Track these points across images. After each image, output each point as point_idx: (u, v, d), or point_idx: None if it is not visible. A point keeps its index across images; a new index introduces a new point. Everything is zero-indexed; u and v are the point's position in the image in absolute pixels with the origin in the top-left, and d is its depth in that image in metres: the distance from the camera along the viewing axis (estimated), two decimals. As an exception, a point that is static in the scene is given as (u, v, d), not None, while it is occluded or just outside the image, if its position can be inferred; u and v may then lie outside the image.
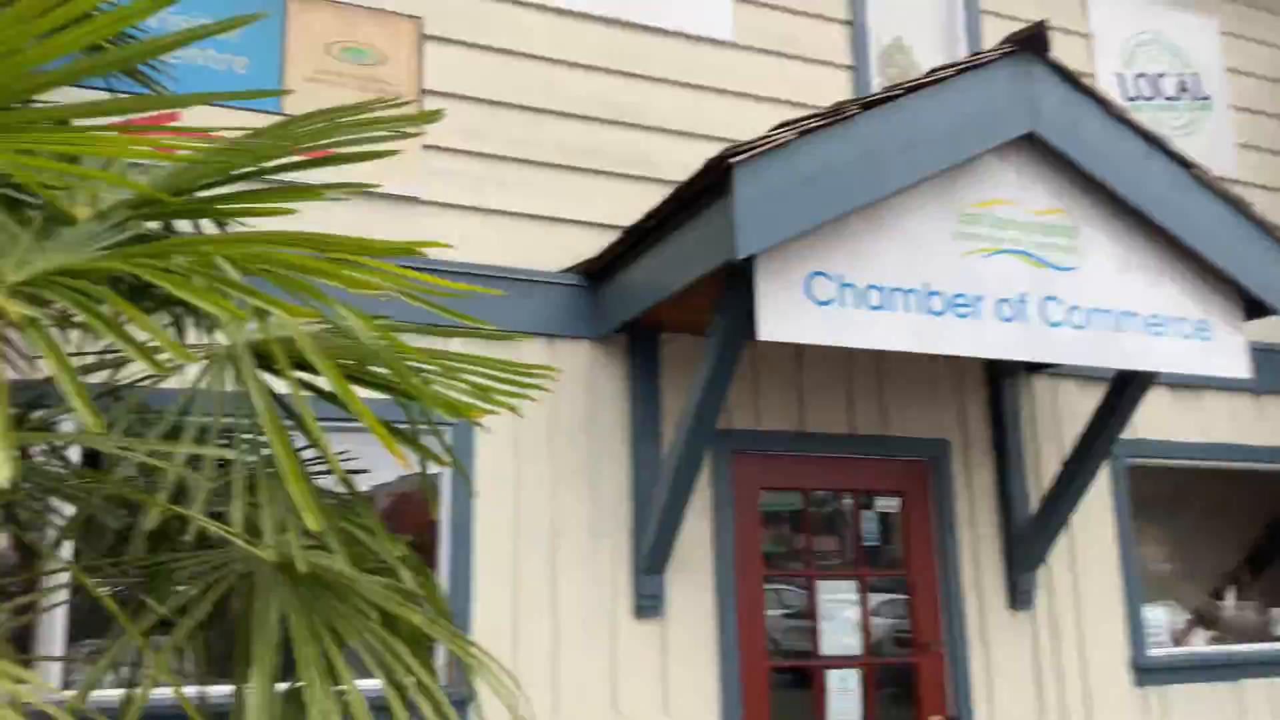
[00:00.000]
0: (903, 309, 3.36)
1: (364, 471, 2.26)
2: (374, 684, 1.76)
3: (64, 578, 3.14)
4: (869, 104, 3.31)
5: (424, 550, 3.82)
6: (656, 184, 4.21)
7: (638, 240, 3.73)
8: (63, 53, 1.50)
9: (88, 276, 1.42)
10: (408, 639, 1.90)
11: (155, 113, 3.15)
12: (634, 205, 3.99)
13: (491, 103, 4.20)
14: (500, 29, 4.27)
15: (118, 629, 1.91)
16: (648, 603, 3.93)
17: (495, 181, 4.13)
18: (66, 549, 2.72)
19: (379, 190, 2.29)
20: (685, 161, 3.94)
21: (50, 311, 2.00)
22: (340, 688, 1.69)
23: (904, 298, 3.37)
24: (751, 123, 4.22)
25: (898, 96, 3.37)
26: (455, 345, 3.36)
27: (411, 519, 3.89)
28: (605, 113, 4.39)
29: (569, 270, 4.13)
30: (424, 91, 4.07)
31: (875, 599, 4.56)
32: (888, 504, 4.65)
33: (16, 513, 2.31)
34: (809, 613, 4.38)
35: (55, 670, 3.26)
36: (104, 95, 2.91)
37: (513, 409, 1.99)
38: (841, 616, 4.42)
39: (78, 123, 1.74)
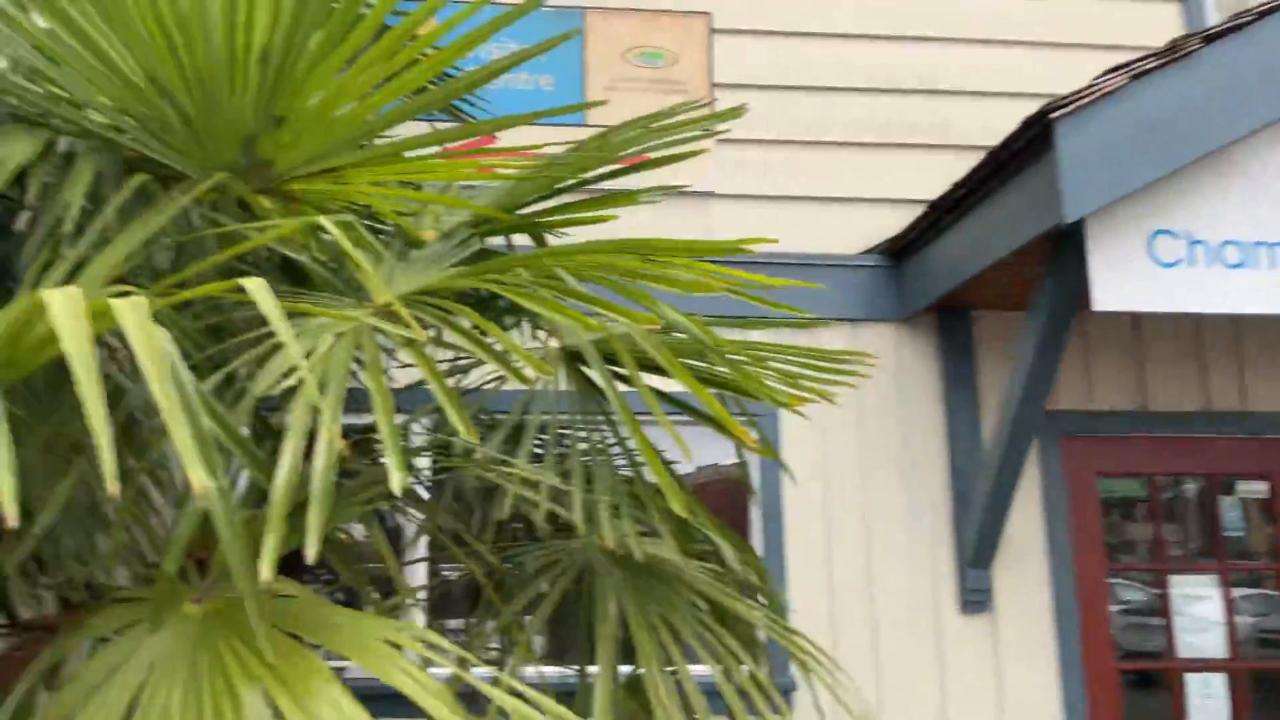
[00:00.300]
0: (1268, 266, 2.92)
1: (674, 463, 2.32)
2: (702, 670, 1.80)
3: (422, 569, 3.48)
4: (1212, 37, 2.91)
5: (738, 534, 3.87)
6: (959, 151, 3.98)
7: (943, 213, 3.53)
8: (396, 96, 1.65)
9: (444, 294, 1.54)
10: (732, 626, 1.92)
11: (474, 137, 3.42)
12: (935, 177, 3.79)
13: (780, 88, 4.15)
14: (787, 12, 4.22)
15: (479, 612, 2.07)
16: (974, 597, 3.72)
17: (787, 167, 4.09)
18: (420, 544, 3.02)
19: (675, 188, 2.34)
20: (991, 125, 3.69)
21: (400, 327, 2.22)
22: (674, 674, 1.73)
23: (1269, 253, 2.93)
24: (1065, 75, 3.86)
25: (1248, 25, 2.94)
26: (754, 335, 3.36)
27: (720, 504, 3.95)
28: (899, 82, 4.21)
29: (869, 251, 4.00)
30: (714, 86, 4.11)
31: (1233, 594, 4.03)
32: (1253, 489, 4.09)
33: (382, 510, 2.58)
34: (1158, 610, 3.95)
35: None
36: (429, 127, 3.21)
37: (828, 397, 1.95)
38: (1197, 614, 3.94)
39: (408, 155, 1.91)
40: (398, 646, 0.99)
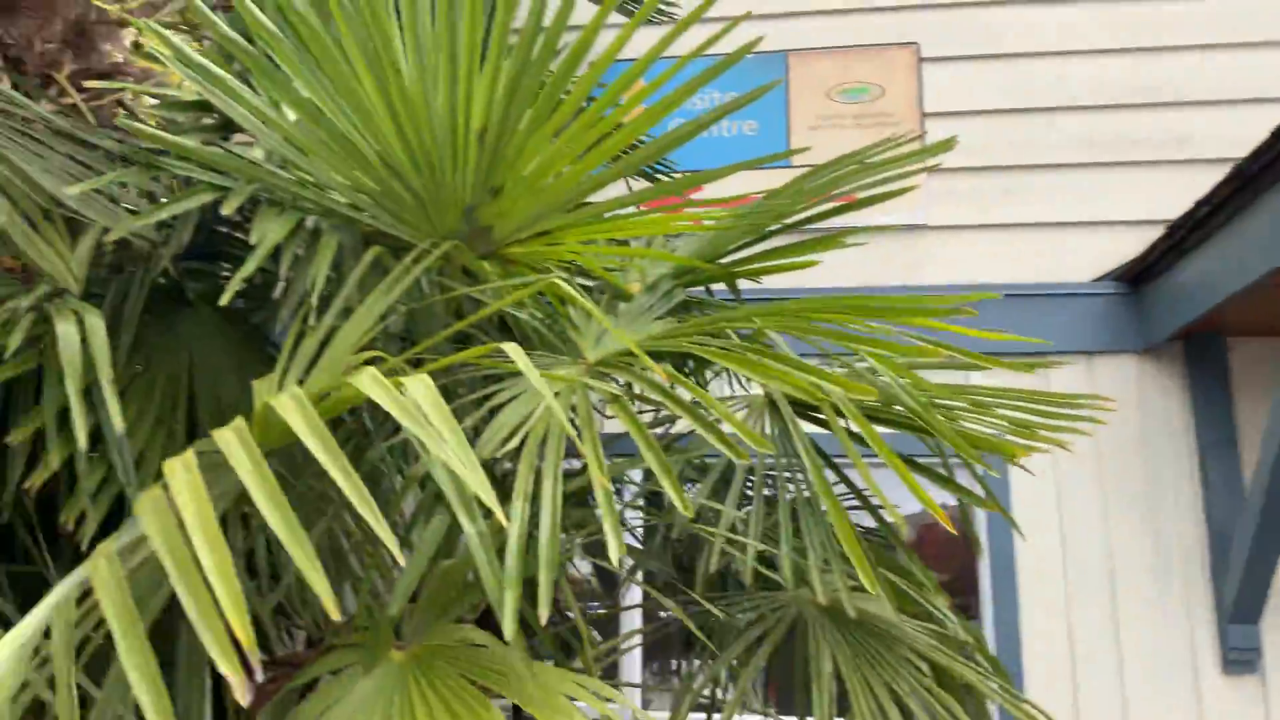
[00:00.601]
0: None
1: (880, 508, 2.24)
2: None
3: (638, 612, 3.54)
4: None
5: (964, 587, 3.68)
6: (1200, 166, 3.65)
7: (1186, 233, 3.24)
8: (603, 160, 1.72)
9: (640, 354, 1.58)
10: (954, 690, 1.82)
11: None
12: (1171, 195, 3.49)
13: (994, 112, 3.98)
14: (1002, 35, 4.05)
15: (691, 658, 2.08)
16: (1239, 656, 3.34)
17: (1003, 194, 3.90)
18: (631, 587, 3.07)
19: (880, 224, 2.29)
20: (1236, 135, 3.36)
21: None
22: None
23: None
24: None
25: None
26: (976, 377, 3.21)
27: (945, 551, 3.77)
28: (1128, 97, 3.93)
29: (1102, 278, 3.73)
30: (924, 115, 3.99)
31: None
32: None
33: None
34: None
35: (636, 694, 3.68)
36: (637, 180, 3.31)
37: (1062, 445, 1.82)
38: None
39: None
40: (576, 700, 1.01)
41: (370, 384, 0.95)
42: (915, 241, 3.88)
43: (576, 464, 1.87)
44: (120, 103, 2.20)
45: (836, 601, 1.93)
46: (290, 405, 0.91)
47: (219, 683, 2.05)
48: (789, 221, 1.91)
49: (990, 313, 2.06)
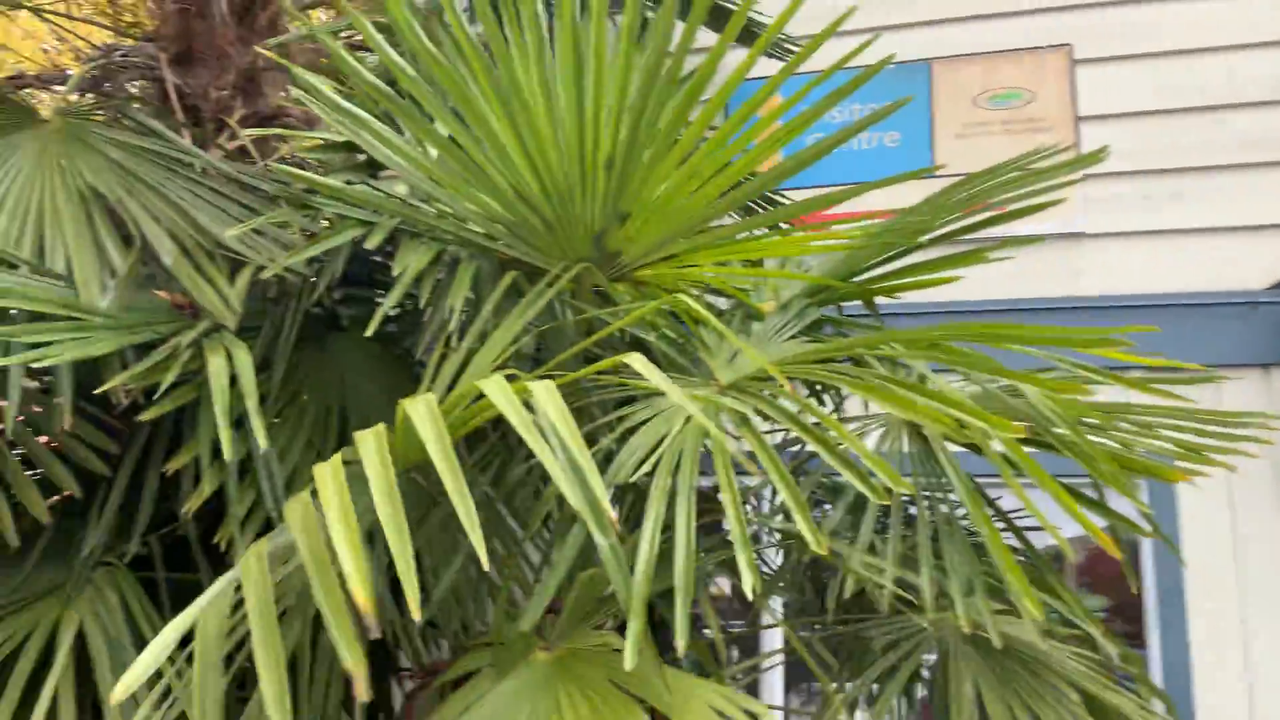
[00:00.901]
0: None
1: (1035, 529, 2.13)
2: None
3: (778, 633, 3.50)
4: None
5: (1128, 609, 3.47)
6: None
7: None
8: (733, 182, 1.72)
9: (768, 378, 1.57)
10: None
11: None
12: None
13: (1156, 113, 3.75)
14: (1162, 31, 3.82)
15: (836, 681, 2.05)
16: None
17: (1169, 198, 3.67)
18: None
19: (1034, 234, 2.18)
20: None
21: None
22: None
23: None
24: None
25: None
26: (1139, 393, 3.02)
27: (1107, 574, 3.56)
28: (1310, 89, 3.63)
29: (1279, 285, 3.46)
30: (1079, 119, 3.81)
31: None
32: None
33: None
34: None
35: (778, 716, 3.63)
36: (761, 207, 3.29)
37: (1227, 466, 1.70)
38: None
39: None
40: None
41: (495, 390, 0.98)
42: (1073, 250, 3.69)
43: (705, 482, 1.87)
44: (283, 141, 2.36)
45: (979, 627, 1.86)
46: (423, 414, 0.96)
47: (376, 687, 2.16)
48: (930, 237, 1.86)
49: (1156, 320, 1.94)
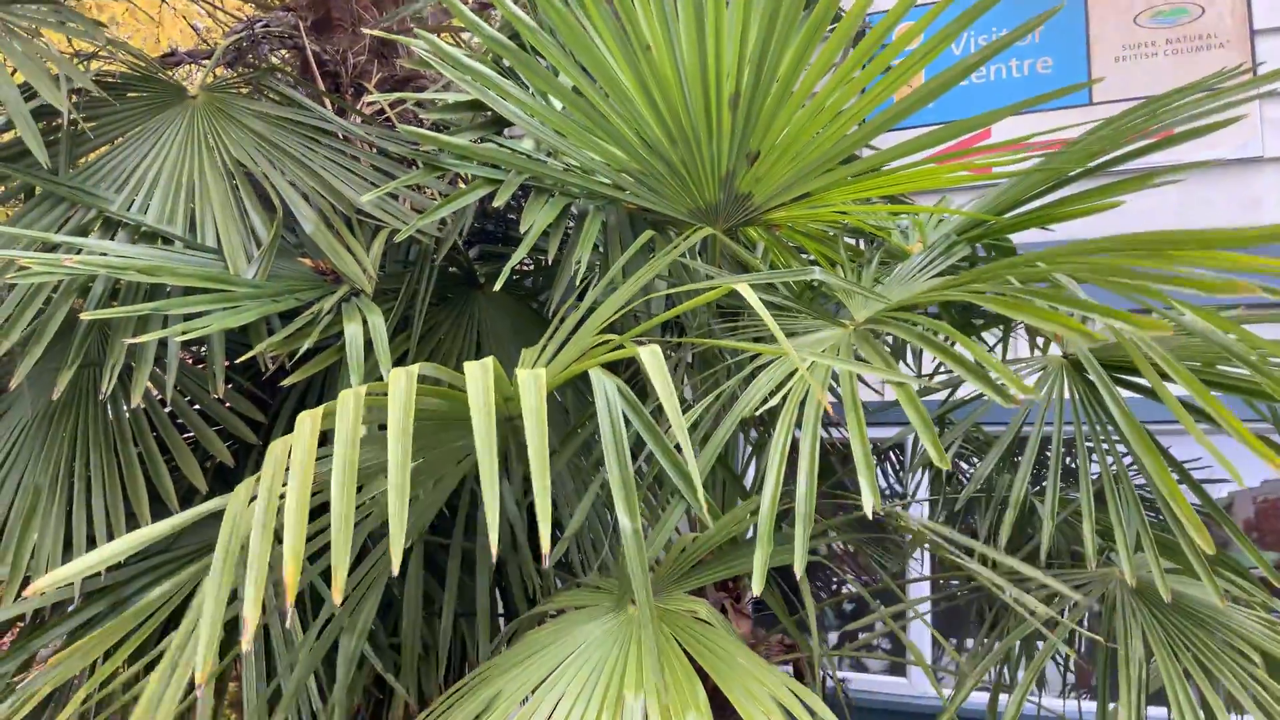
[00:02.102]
0: None
1: (1215, 481, 1.96)
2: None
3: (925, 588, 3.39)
4: None
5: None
6: None
7: None
8: (864, 115, 1.63)
9: (920, 308, 1.49)
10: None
11: (964, 137, 3.27)
12: None
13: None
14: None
15: (987, 638, 1.96)
16: None
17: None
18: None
19: (1205, 159, 1.99)
20: None
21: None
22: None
23: None
24: None
25: None
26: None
27: (1275, 529, 3.28)
28: None
29: None
30: (1255, 33, 3.45)
31: None
32: None
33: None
34: None
35: (918, 674, 3.54)
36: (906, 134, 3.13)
37: None
38: None
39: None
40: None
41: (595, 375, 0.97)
42: (1249, 176, 3.37)
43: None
44: (419, 106, 2.40)
45: (1148, 582, 1.73)
46: (527, 382, 0.95)
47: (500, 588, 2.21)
48: (1098, 162, 1.71)
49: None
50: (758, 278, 1.66)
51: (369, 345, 1.54)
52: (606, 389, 1.09)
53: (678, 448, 1.23)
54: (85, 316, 1.33)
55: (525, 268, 2.60)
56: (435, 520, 1.89)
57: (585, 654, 1.04)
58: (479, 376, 0.94)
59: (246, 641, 0.74)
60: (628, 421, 1.09)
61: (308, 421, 0.87)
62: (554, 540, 1.67)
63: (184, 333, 1.37)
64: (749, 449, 2.13)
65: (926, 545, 2.50)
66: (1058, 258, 1.47)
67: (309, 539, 1.28)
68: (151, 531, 0.97)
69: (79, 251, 1.63)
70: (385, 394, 0.94)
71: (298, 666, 1.36)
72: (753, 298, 1.05)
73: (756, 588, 1.09)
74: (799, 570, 1.11)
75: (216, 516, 1.93)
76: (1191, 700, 1.47)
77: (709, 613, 1.14)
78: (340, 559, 0.76)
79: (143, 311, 1.39)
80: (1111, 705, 1.66)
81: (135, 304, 1.51)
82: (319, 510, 1.31)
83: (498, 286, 1.59)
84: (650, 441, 1.09)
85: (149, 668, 1.71)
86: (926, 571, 3.53)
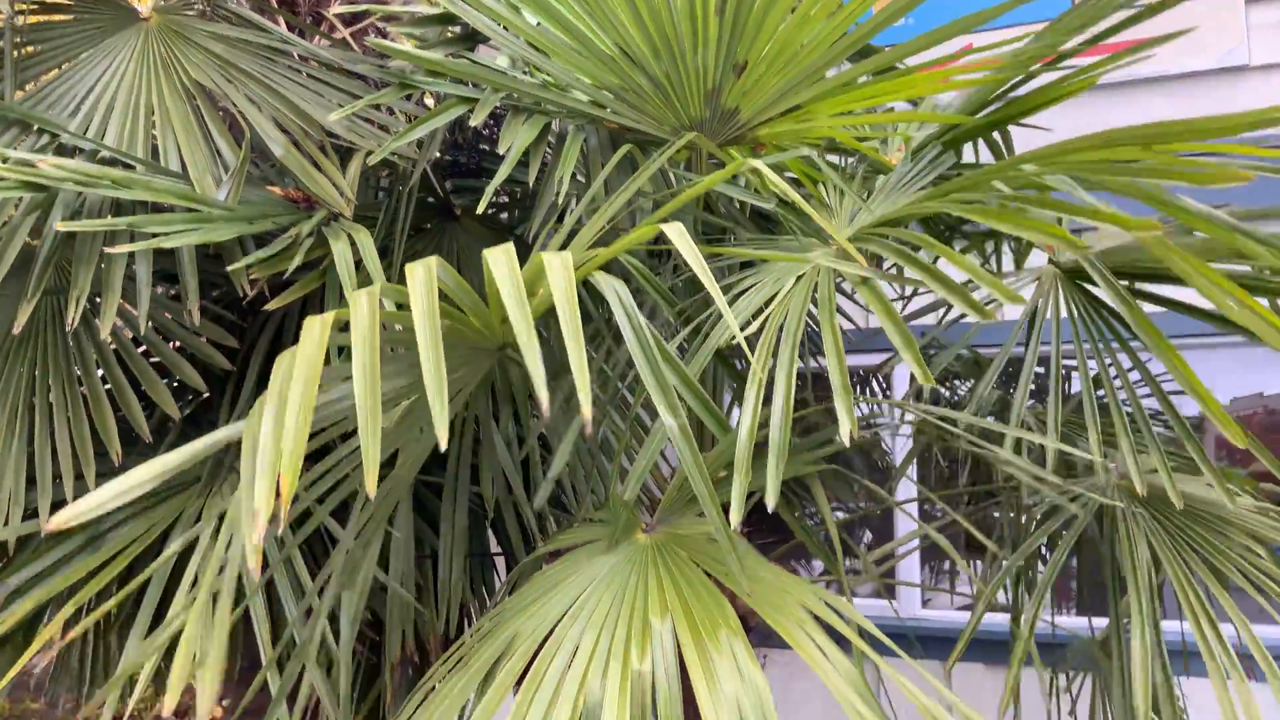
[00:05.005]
0: None
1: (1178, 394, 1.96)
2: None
3: (913, 508, 3.40)
4: None
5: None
6: None
7: None
8: (853, 20, 1.57)
9: (903, 223, 1.45)
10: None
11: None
12: None
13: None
14: None
15: (976, 559, 1.95)
16: None
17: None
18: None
19: (1190, 71, 1.94)
20: None
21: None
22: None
23: None
24: None
25: None
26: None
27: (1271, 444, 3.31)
28: None
29: None
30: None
31: None
32: None
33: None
34: None
35: (915, 595, 3.57)
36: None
37: None
38: None
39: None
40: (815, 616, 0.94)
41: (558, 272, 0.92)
42: (1233, 86, 3.33)
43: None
44: (381, 28, 2.30)
45: (1150, 487, 1.73)
46: (554, 265, 0.90)
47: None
48: (1075, 43, 1.65)
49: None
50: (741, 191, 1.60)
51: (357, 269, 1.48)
52: (617, 289, 1.03)
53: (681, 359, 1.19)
54: (60, 225, 1.26)
55: (501, 200, 2.53)
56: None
57: (602, 585, 1.01)
58: (504, 262, 0.88)
59: (257, 535, 0.70)
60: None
61: (316, 325, 0.82)
62: (551, 482, 1.63)
63: (158, 245, 1.30)
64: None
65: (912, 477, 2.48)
66: (1046, 158, 1.43)
67: (311, 484, 1.23)
68: (177, 457, 0.91)
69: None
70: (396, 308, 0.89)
71: (312, 620, 1.31)
72: (681, 234, 1.00)
73: (734, 517, 1.05)
74: (771, 501, 1.07)
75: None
76: (1203, 600, 1.46)
77: (732, 534, 1.10)
78: (371, 456, 0.71)
79: (117, 226, 1.32)
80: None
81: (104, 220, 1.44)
82: (318, 456, 1.26)
83: (480, 209, 1.52)
84: (645, 354, 1.04)
85: (134, 603, 1.67)
86: (914, 510, 3.54)
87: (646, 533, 1.17)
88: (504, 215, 2.49)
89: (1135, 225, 1.31)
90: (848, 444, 1.10)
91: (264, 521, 0.70)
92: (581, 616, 0.94)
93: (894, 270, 2.46)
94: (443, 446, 0.74)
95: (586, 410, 0.88)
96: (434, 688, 0.99)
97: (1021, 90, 1.72)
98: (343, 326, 0.86)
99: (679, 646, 0.82)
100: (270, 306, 1.32)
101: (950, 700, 0.73)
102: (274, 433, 0.75)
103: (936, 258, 1.33)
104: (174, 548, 1.24)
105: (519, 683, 0.87)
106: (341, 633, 1.47)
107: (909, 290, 2.64)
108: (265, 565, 1.72)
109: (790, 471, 1.39)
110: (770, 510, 0.99)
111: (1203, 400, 1.29)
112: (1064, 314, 1.78)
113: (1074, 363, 1.78)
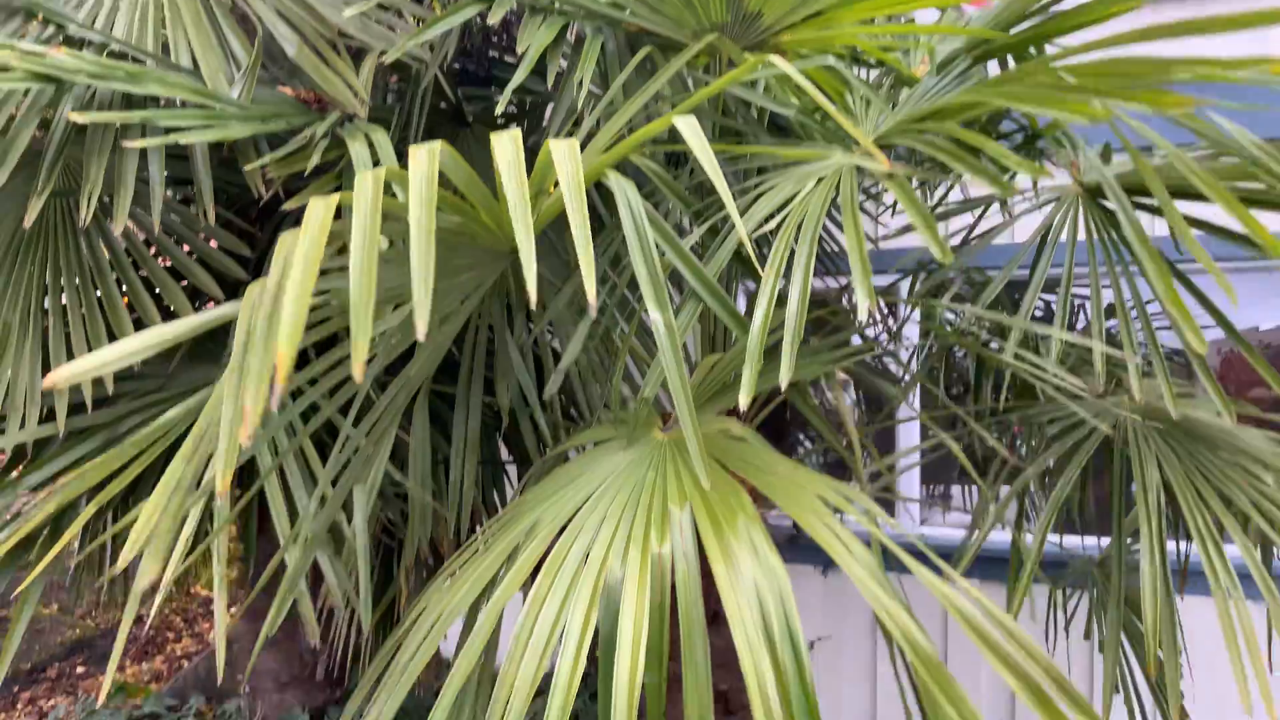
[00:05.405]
0: None
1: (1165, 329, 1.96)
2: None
3: (915, 426, 3.43)
4: None
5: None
6: None
7: None
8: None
9: (931, 118, 1.42)
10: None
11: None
12: None
13: None
14: None
15: (971, 481, 1.97)
16: None
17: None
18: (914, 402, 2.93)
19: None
20: None
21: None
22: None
23: None
24: None
25: None
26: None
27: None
28: None
29: None
30: None
31: None
32: None
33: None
34: None
35: (913, 510, 3.61)
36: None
37: None
38: None
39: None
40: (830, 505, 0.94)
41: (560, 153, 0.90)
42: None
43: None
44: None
45: (1159, 411, 1.73)
46: (562, 151, 0.89)
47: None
48: None
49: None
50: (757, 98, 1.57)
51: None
52: (625, 190, 1.03)
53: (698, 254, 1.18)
54: (76, 117, 1.24)
55: (511, 111, 2.49)
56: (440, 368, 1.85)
57: (620, 478, 1.02)
58: (509, 147, 0.88)
59: (261, 411, 0.69)
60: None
61: (320, 206, 0.81)
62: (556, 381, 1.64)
63: (172, 140, 1.28)
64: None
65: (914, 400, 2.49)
66: (1084, 70, 1.40)
67: (323, 374, 1.23)
68: (182, 325, 0.91)
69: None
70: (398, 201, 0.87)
71: (328, 502, 1.33)
72: (692, 126, 0.98)
73: (744, 401, 1.06)
74: (784, 380, 1.08)
75: (209, 359, 1.88)
76: (1209, 523, 1.48)
77: (742, 429, 1.11)
78: (362, 333, 0.70)
79: (132, 119, 1.30)
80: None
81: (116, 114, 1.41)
82: (326, 347, 1.26)
83: (499, 110, 1.50)
84: (637, 240, 1.04)
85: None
86: (916, 429, 3.56)
87: (664, 431, 1.18)
88: (513, 125, 2.45)
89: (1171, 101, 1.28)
90: (864, 319, 1.10)
91: (260, 409, 0.69)
92: (600, 506, 0.95)
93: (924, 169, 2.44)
94: (420, 335, 0.73)
95: (591, 294, 0.88)
96: (454, 573, 1.01)
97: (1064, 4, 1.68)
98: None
99: (698, 534, 0.83)
100: (288, 206, 1.30)
101: (961, 605, 0.74)
102: (271, 308, 0.74)
103: (975, 149, 1.30)
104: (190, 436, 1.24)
105: (539, 567, 0.89)
106: (356, 530, 1.49)
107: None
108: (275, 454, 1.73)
109: (808, 371, 1.40)
110: (783, 388, 1.00)
111: (1221, 321, 1.29)
112: (1080, 239, 1.77)
113: (1085, 293, 1.77)
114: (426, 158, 0.85)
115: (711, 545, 0.80)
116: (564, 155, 0.89)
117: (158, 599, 1.32)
